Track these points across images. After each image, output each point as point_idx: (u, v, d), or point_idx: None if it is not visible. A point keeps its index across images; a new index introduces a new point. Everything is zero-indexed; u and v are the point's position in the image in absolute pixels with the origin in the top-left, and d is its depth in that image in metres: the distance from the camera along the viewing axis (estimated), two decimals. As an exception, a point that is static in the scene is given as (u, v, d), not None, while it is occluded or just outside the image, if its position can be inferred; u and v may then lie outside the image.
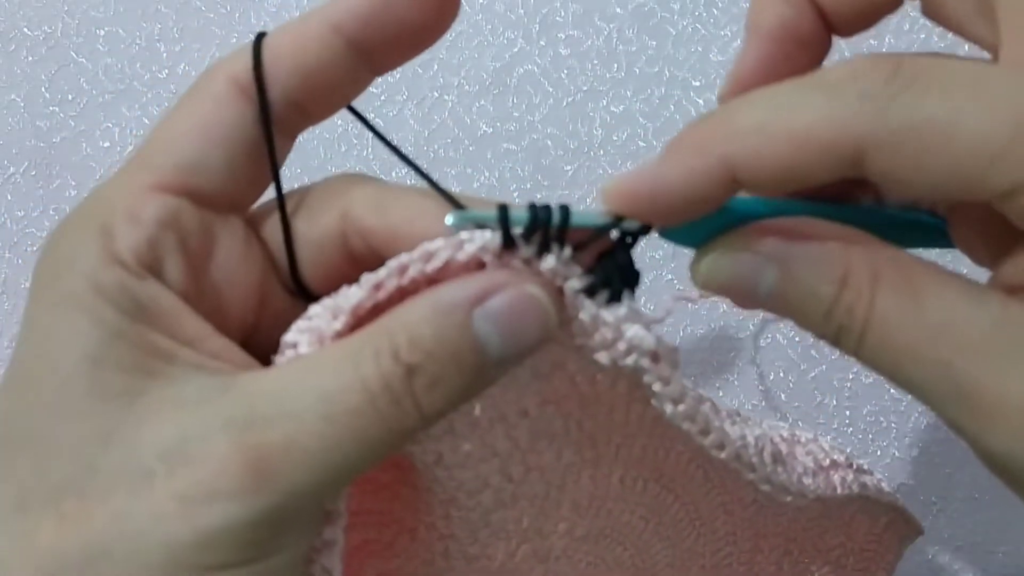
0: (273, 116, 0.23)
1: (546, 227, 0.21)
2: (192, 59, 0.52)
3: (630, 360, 0.22)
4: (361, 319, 0.21)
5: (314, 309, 0.22)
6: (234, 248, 0.24)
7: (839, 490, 0.27)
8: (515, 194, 0.48)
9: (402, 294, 0.21)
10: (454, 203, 0.22)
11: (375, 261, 0.23)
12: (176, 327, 0.21)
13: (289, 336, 0.22)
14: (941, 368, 0.19)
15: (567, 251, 0.22)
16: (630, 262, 0.22)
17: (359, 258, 0.24)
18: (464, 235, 0.21)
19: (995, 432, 0.19)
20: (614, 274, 0.22)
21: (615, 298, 0.22)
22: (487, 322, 0.20)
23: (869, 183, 0.22)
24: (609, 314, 0.22)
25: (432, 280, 0.21)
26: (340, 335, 0.21)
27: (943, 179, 0.19)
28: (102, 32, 0.53)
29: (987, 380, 0.19)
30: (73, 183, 0.53)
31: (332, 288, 0.23)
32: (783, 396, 0.45)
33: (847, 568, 0.33)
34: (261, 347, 0.24)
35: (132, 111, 0.53)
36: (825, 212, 0.23)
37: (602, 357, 0.22)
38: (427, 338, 0.20)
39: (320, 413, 0.20)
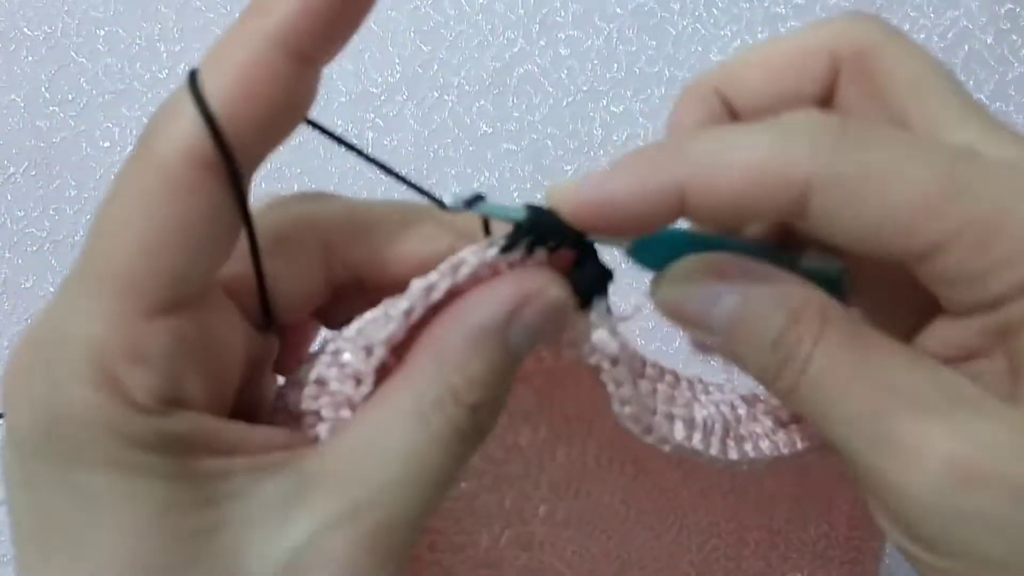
0: (245, 177, 0.19)
1: (532, 231, 0.22)
2: (192, 59, 0.52)
3: (592, 360, 0.23)
4: (396, 349, 0.21)
5: (342, 347, 0.21)
6: (226, 325, 0.21)
7: (799, 444, 0.27)
8: (515, 194, 0.48)
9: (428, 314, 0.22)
10: (438, 203, 0.22)
11: (355, 286, 0.23)
12: (217, 443, 0.19)
13: (318, 372, 0.21)
14: (872, 411, 0.20)
15: (542, 255, 0.22)
16: (598, 269, 0.23)
17: (339, 285, 0.23)
18: (461, 254, 0.21)
19: (912, 478, 0.19)
20: (584, 281, 0.23)
21: (585, 304, 0.23)
22: (521, 336, 0.21)
23: (793, 239, 0.24)
24: (577, 318, 0.23)
25: (453, 293, 0.21)
26: (384, 370, 0.21)
27: (878, 226, 0.20)
28: (102, 32, 0.53)
29: (913, 428, 0.19)
30: (73, 183, 0.53)
31: (301, 316, 0.23)
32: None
33: (834, 561, 0.33)
34: (245, 393, 0.23)
35: (132, 111, 0.53)
36: (747, 249, 0.24)
37: (568, 354, 0.23)
38: (481, 374, 0.21)
39: (410, 479, 0.20)
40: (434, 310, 0.21)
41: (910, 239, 0.20)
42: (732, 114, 0.24)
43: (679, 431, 0.25)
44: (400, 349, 0.21)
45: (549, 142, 0.49)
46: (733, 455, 0.26)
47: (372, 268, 0.23)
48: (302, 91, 0.20)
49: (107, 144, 0.53)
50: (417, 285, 0.21)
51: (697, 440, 0.25)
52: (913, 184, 0.19)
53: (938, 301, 0.22)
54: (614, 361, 0.23)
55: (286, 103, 0.19)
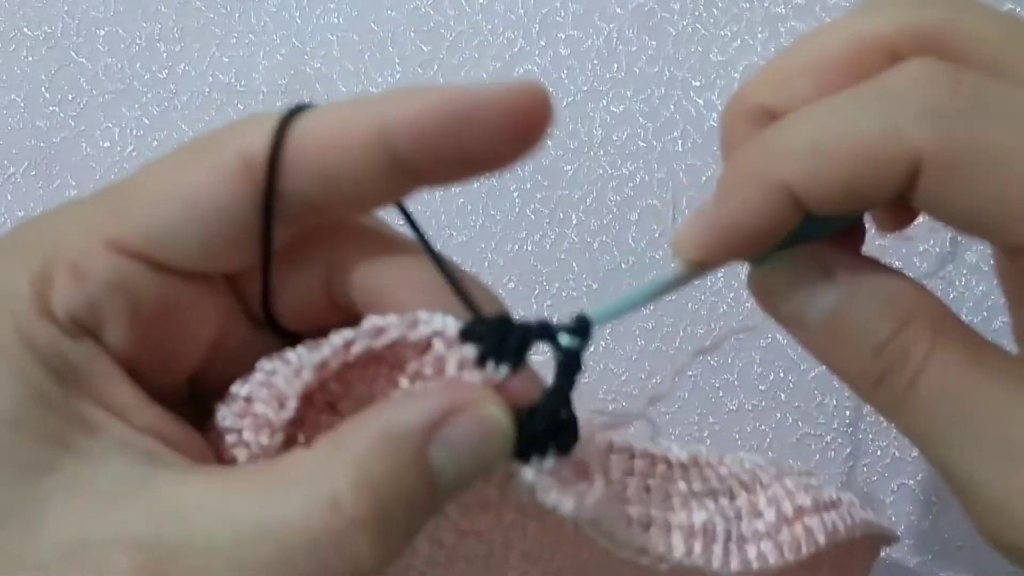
0: (279, 210, 0.19)
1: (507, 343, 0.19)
2: (192, 59, 0.52)
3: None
4: (324, 380, 0.20)
5: (275, 365, 0.20)
6: (195, 303, 0.21)
7: (804, 548, 0.27)
8: (515, 194, 0.48)
9: (378, 363, 0.20)
10: (452, 280, 0.21)
11: (353, 311, 0.22)
12: (107, 393, 0.19)
13: (241, 389, 0.20)
14: (994, 429, 0.19)
15: (503, 372, 0.20)
16: (562, 421, 0.20)
17: (340, 304, 0.22)
18: (421, 315, 0.20)
19: None
20: (541, 429, 0.19)
21: (523, 455, 0.20)
22: (443, 451, 0.18)
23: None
24: (528, 472, 0.20)
25: (385, 357, 0.20)
26: (302, 396, 0.20)
27: (990, 211, 0.18)
28: (102, 32, 0.53)
29: None
30: (73, 183, 0.53)
31: (306, 325, 0.22)
32: (783, 396, 0.45)
33: (823, 567, 0.33)
34: (214, 377, 0.22)
35: (132, 111, 0.53)
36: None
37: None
38: (378, 481, 0.17)
39: (231, 558, 0.17)
40: (382, 361, 0.20)
41: (1013, 233, 0.18)
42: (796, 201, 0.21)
43: (677, 545, 0.24)
44: (330, 382, 0.20)
45: (549, 142, 0.49)
46: (735, 565, 0.25)
47: (365, 299, 0.22)
48: (381, 186, 0.19)
49: (107, 144, 0.53)
50: (369, 322, 0.20)
51: (698, 552, 0.24)
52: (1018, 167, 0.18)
53: None
54: (589, 519, 0.21)
55: (357, 183, 0.19)
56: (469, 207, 0.48)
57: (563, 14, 0.49)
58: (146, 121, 0.53)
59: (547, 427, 0.19)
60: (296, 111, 0.19)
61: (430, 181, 0.20)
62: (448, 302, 0.21)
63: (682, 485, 0.26)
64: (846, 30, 0.21)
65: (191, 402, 0.22)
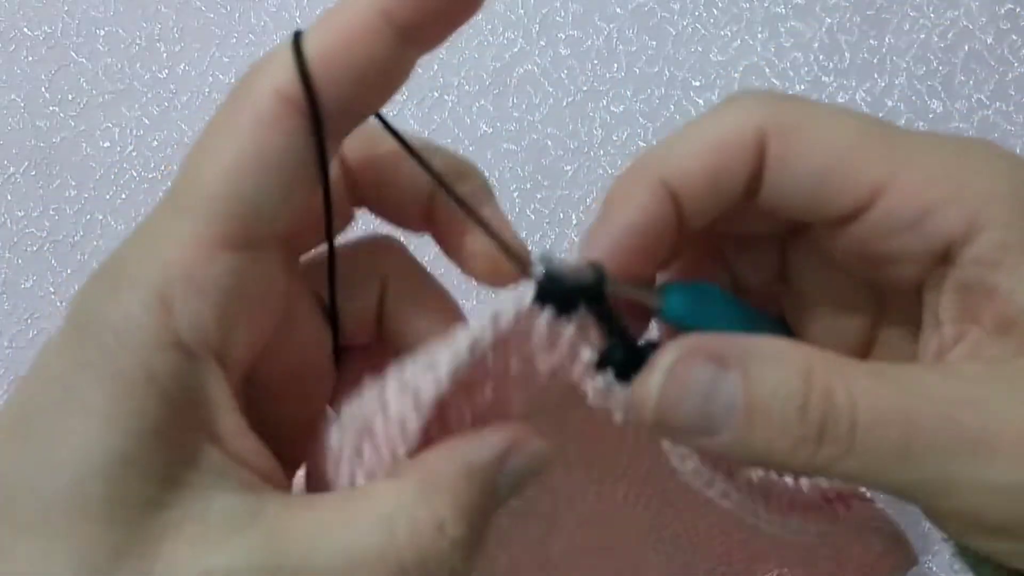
0: (325, 128, 0.20)
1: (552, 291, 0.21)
2: (192, 59, 0.52)
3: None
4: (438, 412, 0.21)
5: (392, 396, 0.21)
6: (277, 284, 0.21)
7: (842, 516, 0.27)
8: (515, 194, 0.48)
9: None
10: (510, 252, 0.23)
11: (393, 341, 0.24)
12: (212, 421, 0.19)
13: (358, 408, 0.21)
14: (947, 426, 0.19)
15: (582, 319, 0.22)
16: (634, 344, 0.22)
17: (384, 327, 0.24)
18: (486, 320, 0.21)
19: (1012, 464, 0.19)
20: (619, 354, 0.22)
21: (623, 376, 0.22)
22: (506, 479, 0.21)
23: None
24: (620, 394, 0.22)
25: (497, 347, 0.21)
26: (423, 432, 0.21)
27: (827, 168, 0.22)
28: (102, 32, 0.53)
29: (989, 423, 0.19)
30: (73, 183, 0.53)
31: (356, 337, 0.24)
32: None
33: None
34: (274, 363, 0.22)
35: (132, 111, 0.53)
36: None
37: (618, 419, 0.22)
38: (467, 510, 0.20)
39: (343, 573, 0.18)
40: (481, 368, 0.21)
41: (854, 179, 0.22)
42: (674, 198, 0.24)
43: (732, 491, 0.25)
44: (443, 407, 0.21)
45: (549, 142, 0.49)
46: (792, 520, 0.26)
47: (400, 335, 0.24)
48: (396, 65, 0.21)
49: (107, 144, 0.53)
50: (462, 338, 0.21)
51: (756, 499, 0.25)
52: (850, 127, 0.22)
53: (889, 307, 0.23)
54: None
55: (380, 69, 0.20)
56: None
57: (563, 14, 0.49)
58: (146, 121, 0.53)
59: (629, 352, 0.22)
60: (298, 37, 0.20)
61: (431, 41, 0.21)
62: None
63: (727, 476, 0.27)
64: (719, 123, 0.24)
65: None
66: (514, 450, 0.21)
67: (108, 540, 0.17)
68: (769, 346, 0.21)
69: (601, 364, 0.22)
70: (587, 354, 0.22)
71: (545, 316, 0.21)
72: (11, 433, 0.18)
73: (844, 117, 0.22)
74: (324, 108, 0.19)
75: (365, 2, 0.20)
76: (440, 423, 0.22)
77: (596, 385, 0.22)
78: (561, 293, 0.21)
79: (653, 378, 0.21)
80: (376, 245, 0.25)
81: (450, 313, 0.25)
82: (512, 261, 0.23)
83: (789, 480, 0.27)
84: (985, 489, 0.19)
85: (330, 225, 0.22)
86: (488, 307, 0.21)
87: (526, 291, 0.21)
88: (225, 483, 0.19)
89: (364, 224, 0.25)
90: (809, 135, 0.22)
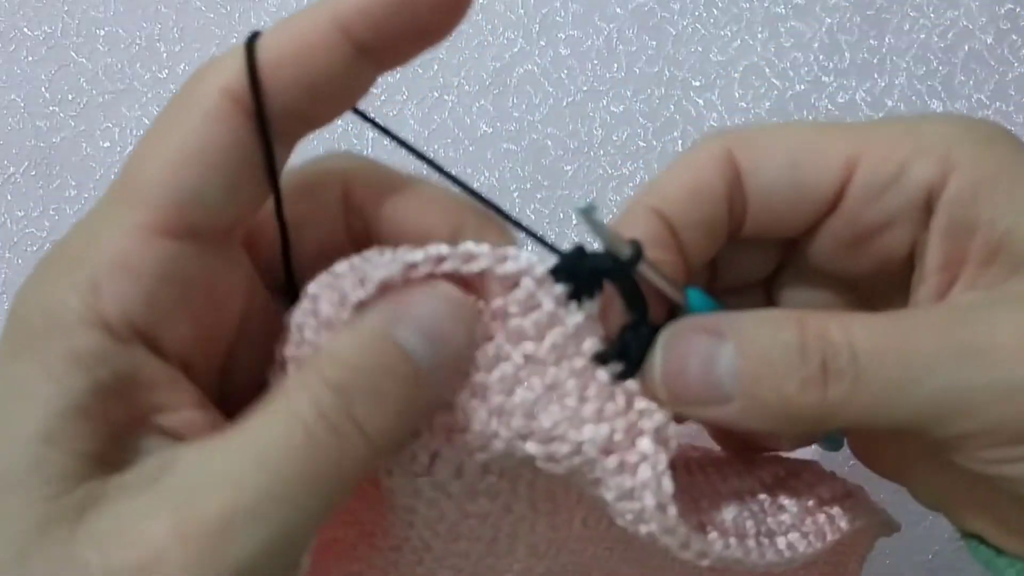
0: (272, 130, 0.20)
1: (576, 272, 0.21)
2: (192, 59, 0.52)
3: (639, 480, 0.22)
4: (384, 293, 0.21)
5: (340, 267, 0.21)
6: (225, 277, 0.21)
7: (828, 536, 0.27)
8: (515, 194, 0.48)
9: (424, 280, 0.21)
10: (480, 198, 0.22)
11: (370, 243, 0.22)
12: (150, 398, 0.19)
13: (311, 287, 0.21)
14: (947, 341, 0.20)
15: (595, 307, 0.22)
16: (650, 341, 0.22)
17: (358, 237, 0.23)
18: (510, 251, 0.21)
19: (1018, 361, 0.20)
20: (633, 350, 0.22)
21: (628, 375, 0.22)
22: (407, 330, 0.19)
23: None
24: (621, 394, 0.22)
25: (458, 280, 0.21)
26: (362, 304, 0.20)
27: (788, 157, 0.24)
28: (102, 32, 0.53)
29: (989, 332, 0.20)
30: (73, 183, 0.53)
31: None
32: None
33: (817, 563, 0.33)
34: (244, 353, 0.22)
35: (132, 111, 0.53)
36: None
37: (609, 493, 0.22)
38: (348, 352, 0.19)
39: (258, 467, 0.18)
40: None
41: (828, 157, 0.23)
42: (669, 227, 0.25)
43: (714, 540, 0.24)
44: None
45: (549, 142, 0.49)
46: (770, 556, 0.25)
47: (381, 224, 0.23)
48: (352, 77, 0.20)
49: (107, 144, 0.53)
50: (429, 249, 0.21)
51: (734, 546, 0.24)
52: (806, 126, 0.26)
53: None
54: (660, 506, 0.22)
55: (333, 80, 0.20)
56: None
57: (563, 14, 0.49)
58: (146, 121, 0.53)
59: (651, 333, 0.22)
60: (253, 37, 0.20)
61: (389, 61, 0.21)
62: (477, 226, 0.23)
63: (709, 483, 0.26)
64: (690, 167, 0.26)
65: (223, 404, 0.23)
66: (407, 302, 0.20)
67: (32, 514, 0.18)
68: (758, 312, 0.22)
69: (603, 358, 0.22)
70: (591, 344, 0.21)
71: (555, 292, 0.21)
72: None
73: (796, 122, 0.25)
74: (272, 111, 0.20)
75: (324, 13, 0.20)
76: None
77: (601, 377, 0.21)
78: (581, 272, 0.21)
79: (654, 356, 0.22)
80: (329, 165, 0.23)
81: (441, 204, 0.23)
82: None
83: (767, 493, 0.27)
84: (996, 393, 0.20)
85: (284, 227, 0.22)
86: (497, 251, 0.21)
87: (545, 261, 0.21)
88: (160, 451, 0.19)
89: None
90: (769, 137, 0.24)
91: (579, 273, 0.21)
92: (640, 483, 0.21)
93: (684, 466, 0.27)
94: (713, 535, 0.24)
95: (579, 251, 0.22)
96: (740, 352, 0.21)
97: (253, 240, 0.22)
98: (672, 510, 0.22)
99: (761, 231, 0.25)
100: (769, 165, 0.24)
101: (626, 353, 0.22)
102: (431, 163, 0.23)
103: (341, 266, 0.21)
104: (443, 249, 0.21)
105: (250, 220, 0.21)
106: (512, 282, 0.21)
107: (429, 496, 0.23)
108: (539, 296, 0.21)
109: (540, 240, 0.22)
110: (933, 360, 0.20)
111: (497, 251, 0.21)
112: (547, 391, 0.21)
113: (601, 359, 0.22)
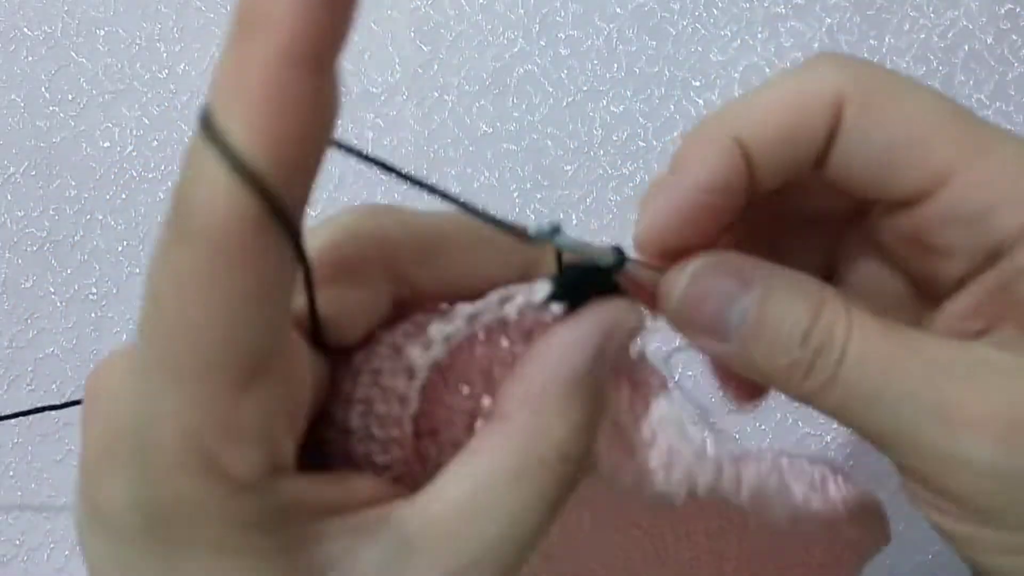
0: (296, 221, 0.17)
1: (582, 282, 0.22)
2: (192, 59, 0.52)
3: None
4: (454, 353, 0.21)
5: (382, 367, 0.21)
6: (297, 367, 0.20)
7: (840, 507, 0.27)
8: (515, 194, 0.48)
9: (469, 342, 0.22)
10: (518, 233, 0.21)
11: (417, 304, 0.22)
12: (313, 506, 0.19)
13: (361, 392, 0.21)
14: (924, 386, 0.20)
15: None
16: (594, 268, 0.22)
17: (404, 303, 0.22)
18: (511, 289, 0.22)
19: (972, 443, 0.20)
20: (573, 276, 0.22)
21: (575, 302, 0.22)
22: (603, 368, 0.21)
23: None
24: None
25: (492, 330, 0.22)
26: (438, 367, 0.21)
27: (899, 143, 0.21)
28: (102, 32, 0.53)
29: (968, 396, 0.20)
30: (73, 183, 0.53)
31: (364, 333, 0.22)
32: (783, 395, 0.45)
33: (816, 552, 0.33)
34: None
35: (132, 111, 0.53)
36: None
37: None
38: (583, 423, 0.20)
39: (512, 539, 0.19)
40: (474, 339, 0.21)
41: (926, 160, 0.21)
42: (746, 157, 0.23)
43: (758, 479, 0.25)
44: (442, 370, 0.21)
45: (549, 142, 0.49)
46: (795, 495, 0.26)
47: (438, 291, 0.22)
48: (328, 103, 0.17)
49: (107, 144, 0.53)
50: (462, 311, 0.21)
51: (774, 478, 0.25)
52: (929, 105, 0.21)
53: (934, 295, 0.23)
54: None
55: (318, 122, 0.16)
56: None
57: (563, 14, 0.49)
58: (146, 121, 0.53)
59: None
60: (207, 130, 0.16)
61: (335, 59, 0.17)
62: (522, 266, 0.23)
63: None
64: (796, 83, 0.23)
65: None
66: (608, 343, 0.21)
67: None
68: (789, 275, 0.22)
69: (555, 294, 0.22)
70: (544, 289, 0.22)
71: (553, 311, 0.21)
72: None
73: (924, 94, 0.22)
74: (286, 202, 0.16)
75: (269, 55, 0.15)
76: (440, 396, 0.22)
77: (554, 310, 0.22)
78: (576, 290, 0.21)
79: (679, 279, 0.22)
80: (366, 236, 0.21)
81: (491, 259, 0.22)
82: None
83: (776, 475, 0.27)
84: (948, 457, 0.20)
85: (312, 297, 0.20)
86: (498, 292, 0.21)
87: (541, 286, 0.21)
88: (357, 540, 0.19)
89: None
90: (888, 107, 0.22)
91: (573, 294, 0.22)
92: (673, 444, 0.23)
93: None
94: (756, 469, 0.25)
95: (568, 273, 0.22)
96: (756, 305, 0.21)
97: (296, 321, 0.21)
98: (711, 448, 0.23)
99: (829, 189, 0.23)
100: (870, 143, 0.22)
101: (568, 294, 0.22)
102: (410, 178, 0.21)
103: (392, 336, 0.21)
104: (478, 306, 0.21)
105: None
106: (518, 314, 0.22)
107: None
108: (541, 319, 0.22)
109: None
110: (904, 395, 0.20)
111: (491, 297, 0.21)
112: None
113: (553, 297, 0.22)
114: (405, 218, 0.22)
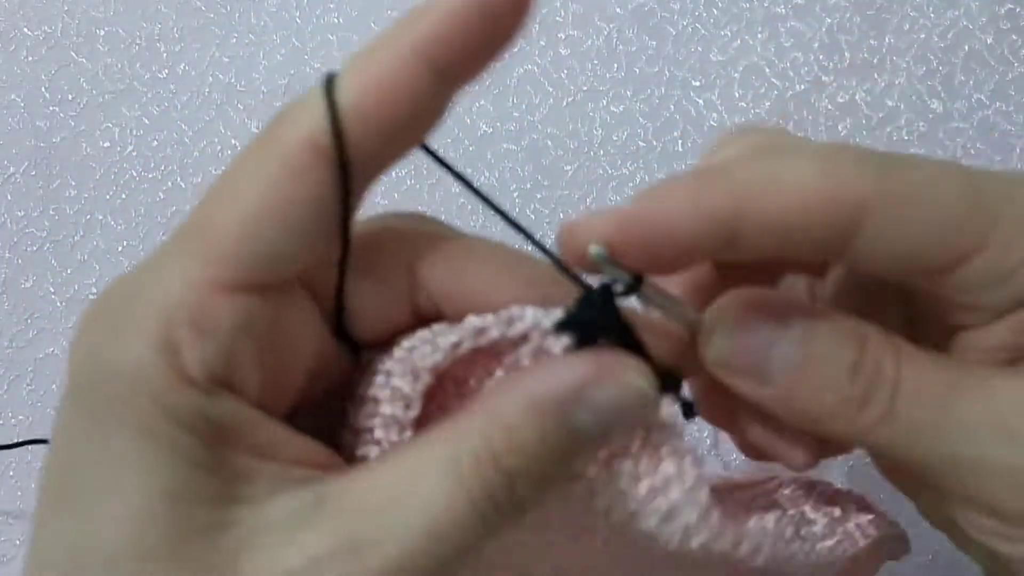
0: (354, 183, 0.19)
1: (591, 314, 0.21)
2: (192, 59, 0.52)
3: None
4: (439, 378, 0.21)
5: (392, 368, 0.21)
6: (299, 324, 0.21)
7: (860, 542, 0.27)
8: (515, 194, 0.48)
9: (474, 356, 0.21)
10: (550, 257, 0.22)
11: (436, 317, 0.22)
12: (253, 441, 0.19)
13: (372, 391, 0.21)
14: (986, 408, 0.20)
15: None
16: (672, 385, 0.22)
17: (423, 313, 0.23)
18: (515, 311, 0.21)
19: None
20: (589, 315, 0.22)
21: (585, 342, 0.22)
22: (587, 414, 0.20)
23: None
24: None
25: (499, 349, 0.21)
26: (424, 394, 0.21)
27: (924, 235, 0.20)
28: (102, 32, 0.53)
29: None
30: (73, 183, 0.53)
31: (382, 335, 0.22)
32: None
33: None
34: (313, 393, 0.22)
35: (132, 111, 0.53)
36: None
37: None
38: (530, 443, 0.19)
39: (426, 531, 0.18)
40: (479, 354, 0.21)
41: (946, 249, 0.20)
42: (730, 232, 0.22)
43: (768, 533, 0.24)
44: (444, 379, 0.22)
45: (549, 142, 0.49)
46: (818, 551, 0.25)
47: (454, 305, 0.22)
48: (434, 106, 0.20)
49: (107, 144, 0.53)
50: (470, 323, 0.21)
51: (781, 547, 0.24)
52: (951, 193, 0.20)
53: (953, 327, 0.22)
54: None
55: (417, 114, 0.19)
56: (469, 207, 0.48)
57: (563, 14, 0.49)
58: (146, 121, 0.53)
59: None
60: (330, 80, 0.19)
61: (467, 79, 0.20)
62: (536, 293, 0.22)
63: (737, 503, 0.27)
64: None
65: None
66: (599, 385, 0.20)
67: (185, 570, 0.18)
68: (829, 317, 0.21)
69: (565, 324, 0.21)
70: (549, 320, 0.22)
71: (561, 343, 0.21)
72: (57, 506, 0.18)
73: (940, 183, 0.20)
74: (355, 159, 0.19)
75: (403, 44, 0.19)
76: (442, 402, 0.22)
77: (560, 344, 0.21)
78: (588, 327, 0.21)
79: (714, 339, 0.22)
80: (398, 232, 0.23)
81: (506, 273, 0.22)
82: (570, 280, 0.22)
83: (793, 506, 0.27)
84: (1010, 471, 0.20)
85: (343, 274, 0.21)
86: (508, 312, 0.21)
87: (554, 313, 0.21)
88: (285, 486, 0.19)
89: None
90: (907, 210, 0.20)
91: (583, 329, 0.21)
92: (675, 501, 0.22)
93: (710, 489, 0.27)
94: (764, 526, 0.24)
95: (584, 303, 0.21)
96: (799, 347, 0.21)
97: (308, 279, 0.22)
98: (715, 515, 0.22)
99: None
100: (891, 245, 0.20)
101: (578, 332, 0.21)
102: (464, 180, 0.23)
103: (391, 364, 0.21)
104: (452, 337, 0.21)
105: (316, 262, 0.21)
106: (521, 339, 0.21)
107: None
108: (546, 346, 0.21)
109: (538, 244, 0.22)
110: (963, 421, 0.20)
111: (502, 315, 0.21)
112: None
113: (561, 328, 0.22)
114: (433, 227, 0.23)
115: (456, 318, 0.22)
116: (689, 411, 0.23)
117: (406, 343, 0.22)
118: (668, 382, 0.22)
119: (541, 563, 0.26)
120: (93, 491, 0.18)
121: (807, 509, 0.27)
